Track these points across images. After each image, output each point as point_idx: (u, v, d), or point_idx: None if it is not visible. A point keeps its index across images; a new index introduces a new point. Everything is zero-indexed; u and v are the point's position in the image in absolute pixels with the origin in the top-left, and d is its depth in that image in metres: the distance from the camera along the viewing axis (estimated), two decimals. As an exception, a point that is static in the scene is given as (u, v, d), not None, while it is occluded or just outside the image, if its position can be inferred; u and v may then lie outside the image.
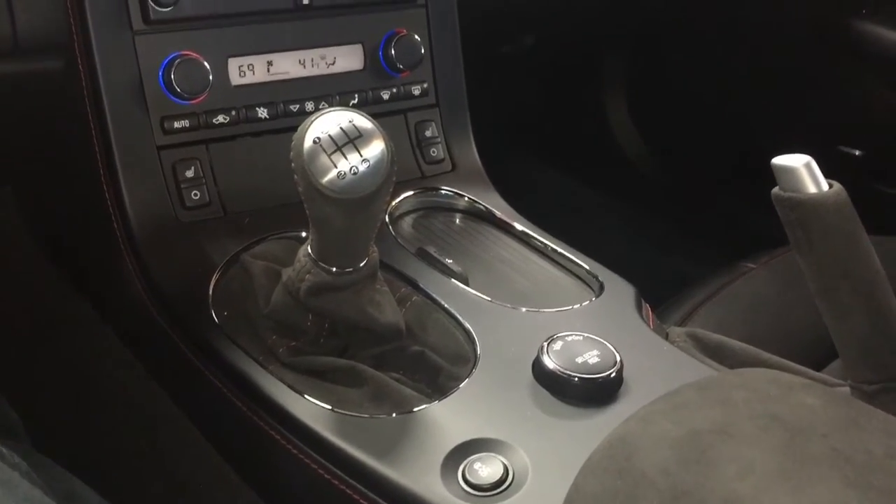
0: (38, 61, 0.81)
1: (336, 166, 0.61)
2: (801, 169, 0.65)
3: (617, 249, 1.74)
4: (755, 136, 1.63)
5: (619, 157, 1.89)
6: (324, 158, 0.61)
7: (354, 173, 0.61)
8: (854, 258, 0.63)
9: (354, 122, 0.63)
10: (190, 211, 0.82)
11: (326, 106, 0.89)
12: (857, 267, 0.63)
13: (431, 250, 0.82)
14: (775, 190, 0.65)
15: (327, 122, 0.62)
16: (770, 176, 0.63)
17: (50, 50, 0.80)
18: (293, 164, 0.62)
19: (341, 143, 0.62)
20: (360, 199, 0.62)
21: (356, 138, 0.62)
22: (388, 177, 0.63)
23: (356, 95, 0.91)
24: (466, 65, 0.99)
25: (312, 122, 0.62)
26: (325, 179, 0.61)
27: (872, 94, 1.49)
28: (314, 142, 0.61)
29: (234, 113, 0.84)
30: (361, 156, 0.62)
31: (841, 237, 0.64)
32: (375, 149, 0.62)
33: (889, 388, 0.63)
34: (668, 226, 1.83)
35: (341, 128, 0.62)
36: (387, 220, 0.86)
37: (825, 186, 0.64)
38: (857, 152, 1.54)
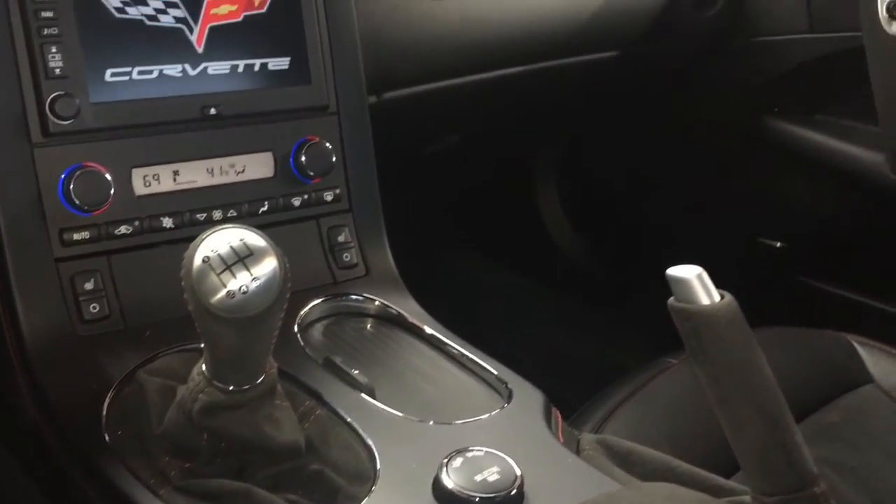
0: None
1: (225, 286, 0.60)
2: (693, 280, 0.66)
3: (552, 341, 1.76)
4: (678, 229, 1.67)
5: (551, 247, 1.91)
6: (213, 278, 0.60)
7: (244, 292, 0.60)
8: (747, 369, 0.64)
9: (245, 240, 0.62)
10: (88, 325, 0.80)
11: (235, 214, 0.88)
12: (749, 378, 0.63)
13: (338, 360, 0.80)
14: (670, 300, 0.66)
15: (217, 241, 0.61)
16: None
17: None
18: (182, 283, 0.61)
19: (231, 261, 0.61)
20: (252, 318, 0.61)
21: (246, 256, 0.61)
22: (281, 294, 0.62)
23: (266, 203, 0.90)
24: (389, 164, 1.00)
25: (203, 240, 0.62)
26: (215, 299, 0.60)
27: (787, 187, 1.54)
28: (203, 261, 0.61)
29: (137, 223, 0.83)
30: (252, 274, 0.61)
31: (733, 348, 0.65)
32: (267, 266, 0.62)
33: (787, 501, 0.62)
34: (603, 316, 1.85)
35: (231, 246, 0.61)
36: (295, 329, 0.85)
37: (717, 297, 0.65)
38: (777, 244, 1.58)
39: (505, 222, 1.93)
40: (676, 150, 1.65)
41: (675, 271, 0.66)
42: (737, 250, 1.63)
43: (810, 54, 1.38)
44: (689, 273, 0.65)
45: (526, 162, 1.88)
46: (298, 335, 0.84)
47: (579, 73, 1.38)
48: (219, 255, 0.61)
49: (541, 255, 1.92)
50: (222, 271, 0.60)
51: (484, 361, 0.84)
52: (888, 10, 1.19)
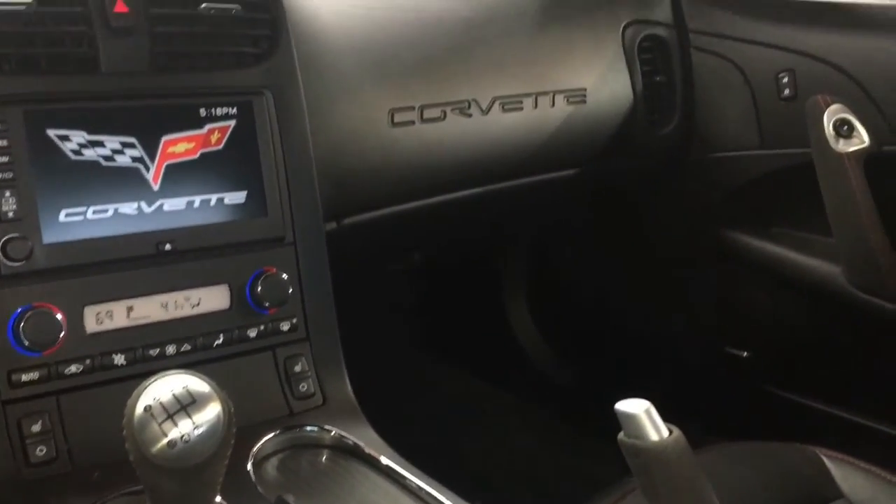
0: None
1: (166, 435, 0.59)
2: (641, 415, 0.66)
3: (522, 454, 1.73)
4: (646, 337, 1.68)
5: (522, 358, 1.91)
6: (154, 427, 0.60)
7: (186, 441, 0.60)
8: (696, 506, 0.64)
9: (188, 387, 0.62)
10: (34, 468, 0.78)
11: (189, 348, 0.88)
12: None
13: (290, 499, 0.79)
14: (620, 435, 0.66)
15: (160, 389, 0.61)
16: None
17: None
18: (124, 433, 0.60)
19: (173, 410, 0.60)
20: (193, 468, 0.60)
21: (189, 404, 0.61)
22: (224, 442, 0.62)
23: (221, 336, 0.90)
24: (349, 285, 1.01)
25: (145, 388, 0.61)
26: (155, 449, 0.59)
27: (749, 298, 1.56)
28: (145, 409, 0.60)
29: (88, 362, 0.82)
30: (194, 422, 0.60)
31: (682, 483, 0.65)
32: (209, 413, 0.61)
33: None
34: (575, 426, 1.83)
35: (174, 394, 0.61)
36: (249, 466, 0.83)
37: (665, 433, 0.65)
38: (744, 353, 1.59)
39: (470, 327, 1.94)
40: (640, 261, 1.68)
41: (623, 406, 0.66)
42: (703, 360, 1.63)
43: (763, 169, 1.42)
44: (637, 408, 0.66)
45: (490, 267, 1.89)
46: (251, 472, 0.83)
47: (539, 190, 1.41)
48: (160, 403, 0.60)
49: (508, 360, 1.91)
50: (164, 420, 0.60)
51: (443, 496, 0.82)
52: (835, 128, 1.24)
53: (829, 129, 1.24)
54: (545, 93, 1.33)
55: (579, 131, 1.38)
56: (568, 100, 1.36)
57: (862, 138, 1.23)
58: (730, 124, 1.45)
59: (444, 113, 1.21)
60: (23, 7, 0.80)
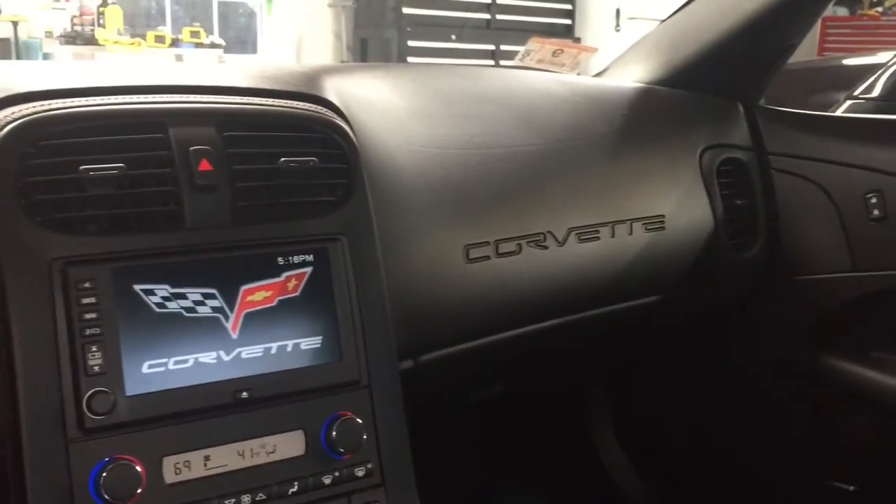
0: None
1: None
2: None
3: None
4: (741, 472, 1.59)
5: (609, 487, 1.83)
6: None
7: None
8: None
9: None
10: None
11: (264, 497, 0.88)
12: None
13: None
14: None
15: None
16: None
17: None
18: None
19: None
20: None
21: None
22: None
23: (296, 483, 0.90)
24: (426, 417, 1.00)
25: None
26: None
27: (851, 427, 1.47)
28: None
29: (165, 513, 0.83)
30: None
31: None
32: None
33: None
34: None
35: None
36: None
37: None
38: (850, 487, 1.48)
39: (553, 455, 1.88)
40: (730, 388, 1.61)
41: None
42: (806, 494, 1.53)
43: (857, 292, 1.36)
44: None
45: (573, 394, 1.85)
46: None
47: (620, 318, 1.38)
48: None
49: (595, 490, 1.83)
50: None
51: None
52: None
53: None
54: (622, 221, 1.32)
55: (659, 258, 1.36)
56: (646, 227, 1.35)
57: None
58: (818, 246, 1.41)
59: (520, 246, 1.21)
60: (115, 171, 0.85)
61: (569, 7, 8.12)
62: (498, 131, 1.26)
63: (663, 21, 1.63)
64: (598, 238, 1.29)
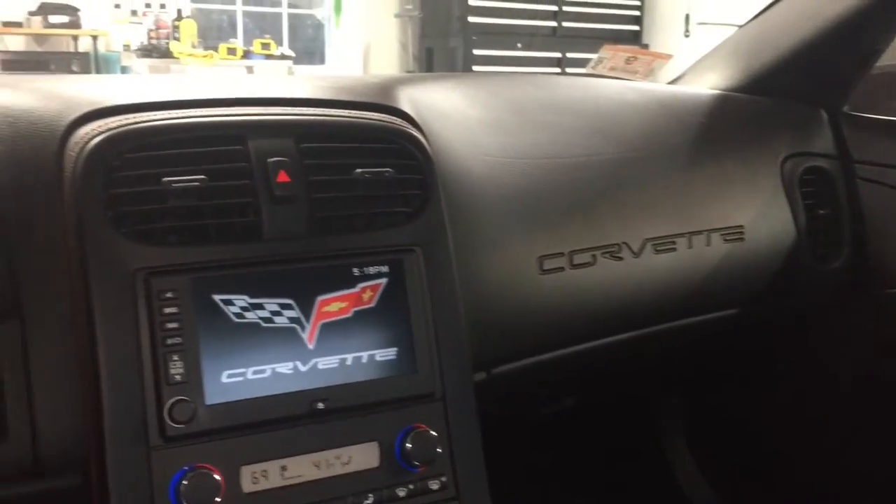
0: (56, 480, 0.84)
1: None
2: None
3: None
4: (822, 489, 1.53)
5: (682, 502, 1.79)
6: None
7: None
8: None
9: None
10: None
11: (339, 509, 0.88)
12: None
13: None
14: None
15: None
16: None
17: (67, 469, 0.83)
18: None
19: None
20: None
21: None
22: None
23: (371, 495, 0.90)
24: (499, 430, 0.98)
25: None
26: None
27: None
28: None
29: (243, 524, 0.83)
30: None
31: None
32: None
33: None
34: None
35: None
36: None
37: None
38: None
39: (626, 468, 1.84)
40: (814, 403, 1.55)
41: None
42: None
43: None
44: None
45: (648, 408, 1.81)
46: None
47: (697, 331, 1.35)
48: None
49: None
50: None
51: None
52: None
53: None
54: (699, 232, 1.29)
55: (738, 270, 1.32)
56: (724, 238, 1.31)
57: None
58: (909, 257, 1.35)
59: (595, 257, 1.19)
60: (196, 183, 0.86)
61: (637, 13, 8.02)
62: (571, 140, 1.24)
63: (742, 26, 1.59)
64: (674, 249, 1.26)
